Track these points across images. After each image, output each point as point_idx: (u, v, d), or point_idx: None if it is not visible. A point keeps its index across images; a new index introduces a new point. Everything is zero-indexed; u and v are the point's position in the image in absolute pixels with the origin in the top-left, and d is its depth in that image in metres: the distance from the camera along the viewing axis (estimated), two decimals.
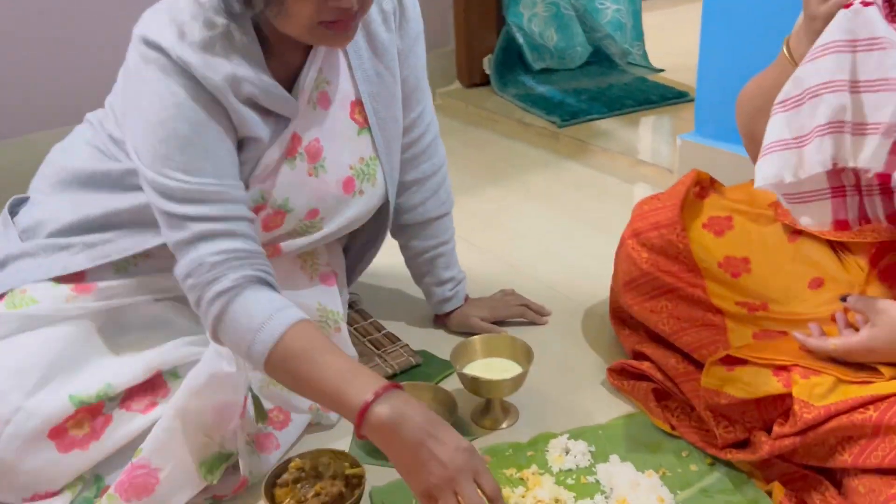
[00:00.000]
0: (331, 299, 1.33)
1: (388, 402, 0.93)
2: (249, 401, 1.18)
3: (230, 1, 1.04)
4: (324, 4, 0.99)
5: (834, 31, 0.87)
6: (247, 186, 1.13)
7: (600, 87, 2.69)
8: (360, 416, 0.94)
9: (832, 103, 0.86)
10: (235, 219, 1.06)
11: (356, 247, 1.46)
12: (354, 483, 1.10)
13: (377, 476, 1.15)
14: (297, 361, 1.00)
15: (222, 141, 1.07)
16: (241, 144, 1.13)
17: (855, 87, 0.85)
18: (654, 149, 2.33)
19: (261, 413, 1.20)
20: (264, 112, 1.12)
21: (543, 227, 1.98)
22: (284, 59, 1.13)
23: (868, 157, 0.84)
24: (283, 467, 1.11)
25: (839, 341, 0.99)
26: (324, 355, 0.99)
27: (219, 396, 1.14)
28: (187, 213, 1.04)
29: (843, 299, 1.02)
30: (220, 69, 1.05)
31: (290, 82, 1.15)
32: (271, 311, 1.01)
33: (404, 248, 1.48)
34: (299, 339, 1.00)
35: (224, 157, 1.08)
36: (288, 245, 1.24)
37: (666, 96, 2.57)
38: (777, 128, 0.91)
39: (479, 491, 0.90)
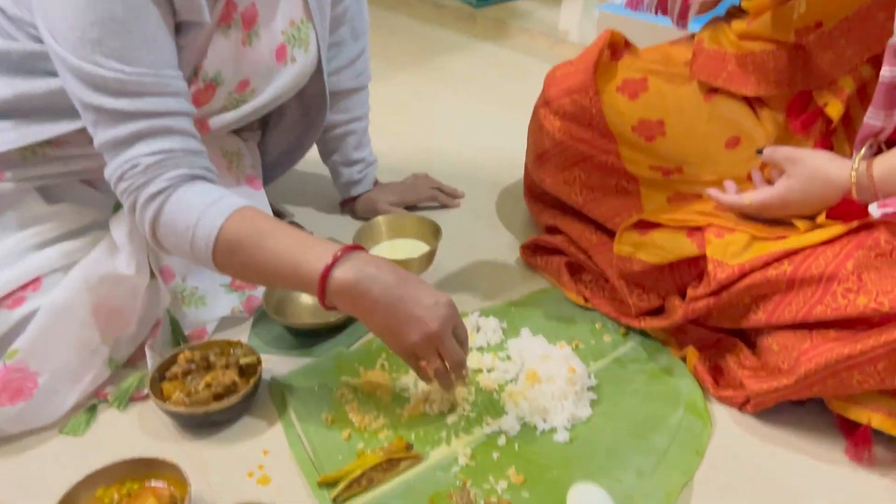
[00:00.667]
0: (259, 203, 1.24)
1: (350, 264, 0.87)
2: (164, 322, 1.10)
3: None
4: None
5: None
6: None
7: None
8: (322, 284, 0.87)
9: None
10: (174, 114, 0.94)
11: (283, 148, 1.36)
12: (249, 372, 1.02)
13: (277, 366, 1.08)
14: (244, 248, 0.91)
15: (160, 27, 0.94)
16: (179, 28, 0.99)
17: None
18: (575, 27, 2.23)
19: (179, 336, 1.12)
20: None
21: (460, 111, 1.88)
22: None
23: None
24: (171, 360, 1.03)
25: (754, 195, 0.95)
26: (272, 235, 0.91)
27: (111, 300, 1.05)
28: (123, 109, 0.91)
29: (759, 152, 0.97)
30: None
31: None
32: (207, 203, 0.92)
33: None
34: (242, 226, 0.91)
35: (163, 45, 0.94)
36: (216, 121, 1.13)
37: None
38: None
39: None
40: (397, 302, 0.87)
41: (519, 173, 1.42)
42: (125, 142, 0.92)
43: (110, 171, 0.94)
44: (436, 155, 1.68)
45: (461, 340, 0.90)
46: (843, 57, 0.89)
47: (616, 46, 1.23)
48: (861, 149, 0.90)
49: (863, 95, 0.89)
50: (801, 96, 0.95)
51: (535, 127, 1.25)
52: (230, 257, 0.92)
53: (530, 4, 2.33)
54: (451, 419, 0.97)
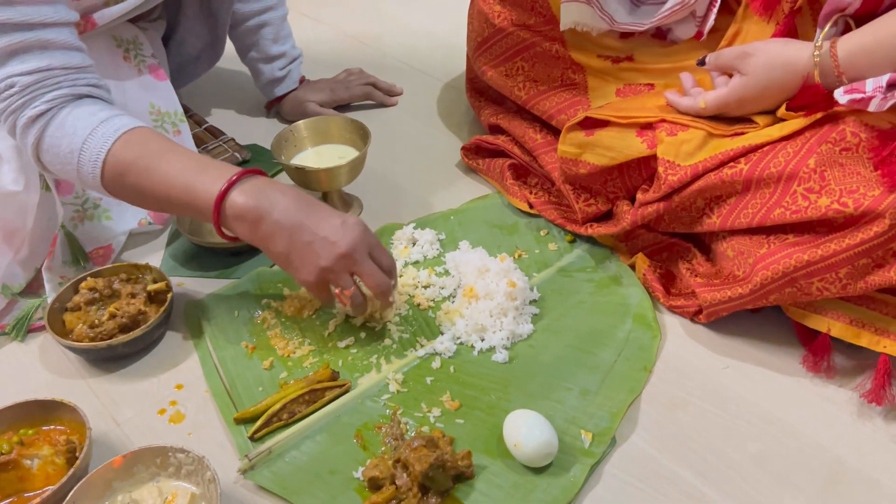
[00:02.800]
0: (165, 97, 1.12)
1: (247, 186, 0.80)
2: (61, 239, 0.98)
3: None
4: None
5: None
6: None
7: None
8: (216, 210, 0.79)
9: None
10: (51, 25, 0.83)
11: (196, 44, 1.24)
12: (160, 300, 0.93)
13: (194, 289, 0.98)
14: (134, 172, 0.83)
15: None
16: None
17: None
18: None
19: (79, 254, 1.01)
20: None
21: None
22: None
23: None
24: (73, 289, 0.93)
25: (709, 96, 0.85)
26: (163, 157, 0.83)
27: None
28: (33, 15, 0.80)
29: (701, 62, 0.87)
30: None
31: None
32: (93, 125, 0.83)
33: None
34: (132, 147, 0.83)
35: None
36: (101, 16, 0.99)
37: None
38: None
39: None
40: (300, 224, 0.78)
41: (462, 65, 1.30)
42: (20, 50, 0.81)
43: None
44: (372, 45, 1.54)
45: (385, 267, 0.82)
46: None
47: None
48: (825, 26, 0.80)
49: None
50: None
51: (475, 12, 1.12)
52: (120, 181, 0.84)
53: None
54: (384, 342, 0.89)
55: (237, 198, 0.79)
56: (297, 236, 0.78)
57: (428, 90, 1.38)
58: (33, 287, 0.99)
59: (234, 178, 0.79)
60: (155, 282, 0.94)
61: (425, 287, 0.95)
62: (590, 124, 0.93)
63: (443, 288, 0.95)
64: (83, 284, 0.93)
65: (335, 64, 1.40)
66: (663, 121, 0.88)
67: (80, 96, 0.85)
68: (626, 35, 1.00)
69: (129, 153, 0.83)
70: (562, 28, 0.99)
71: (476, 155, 1.16)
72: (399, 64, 1.46)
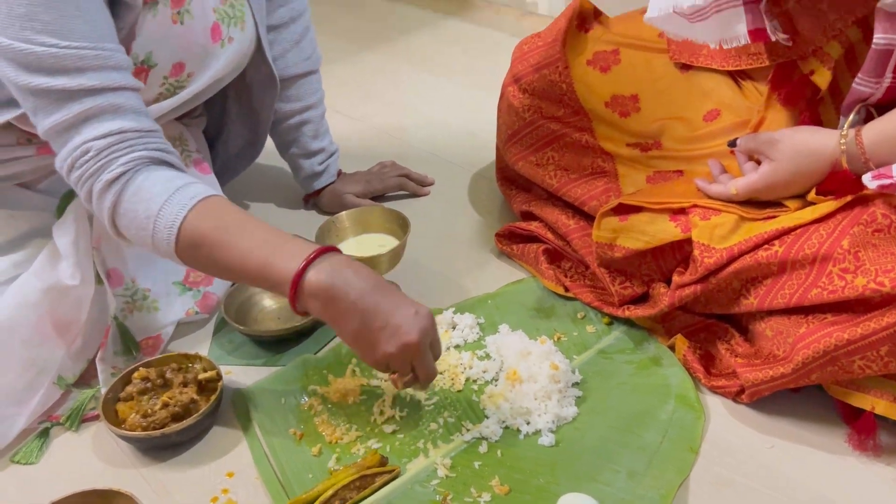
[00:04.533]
0: (211, 188, 1.16)
1: (324, 266, 0.81)
2: (113, 331, 1.02)
3: None
4: None
5: None
6: None
7: None
8: (294, 287, 0.80)
9: None
10: (121, 89, 0.86)
11: (240, 141, 1.29)
12: (210, 388, 0.95)
13: (241, 377, 1.01)
14: (209, 243, 0.84)
15: None
16: (110, 7, 0.91)
17: None
18: None
19: (131, 344, 1.04)
20: None
21: (425, 91, 1.80)
22: None
23: None
24: (125, 379, 0.96)
25: (740, 183, 0.88)
26: (240, 230, 0.84)
27: (56, 314, 0.98)
28: (64, 87, 0.83)
29: (732, 144, 0.91)
30: None
31: None
32: (170, 192, 0.85)
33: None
34: (208, 217, 0.84)
35: (99, 16, 0.86)
36: (153, 110, 1.04)
37: None
38: None
39: None
40: (374, 308, 0.80)
41: (491, 155, 1.35)
42: (72, 125, 0.84)
43: (60, 161, 0.86)
44: (402, 138, 1.60)
45: (435, 355, 0.84)
46: (826, 22, 0.83)
47: (585, 16, 1.15)
48: (849, 115, 0.84)
49: (850, 59, 0.83)
50: (786, 65, 0.88)
51: (504, 105, 1.18)
52: (194, 252, 0.85)
53: None
54: (430, 427, 0.90)
55: (314, 276, 0.80)
56: (369, 319, 0.80)
57: (458, 179, 1.43)
58: (86, 378, 1.02)
59: (312, 256, 0.81)
60: (205, 370, 0.96)
61: (468, 370, 0.97)
62: (623, 210, 0.96)
63: (485, 371, 0.97)
64: (135, 374, 0.96)
65: (369, 157, 1.45)
66: (695, 206, 0.91)
67: (155, 160, 0.87)
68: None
69: (206, 223, 0.84)
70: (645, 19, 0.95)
71: (509, 241, 1.20)
72: (428, 155, 1.52)
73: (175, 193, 0.84)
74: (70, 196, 1.08)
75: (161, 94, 1.04)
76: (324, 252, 0.82)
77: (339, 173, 1.36)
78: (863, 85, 0.80)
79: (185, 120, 1.22)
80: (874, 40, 0.76)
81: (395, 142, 1.60)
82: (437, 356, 0.84)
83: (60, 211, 1.05)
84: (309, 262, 0.80)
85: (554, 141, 1.12)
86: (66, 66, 0.83)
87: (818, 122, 0.89)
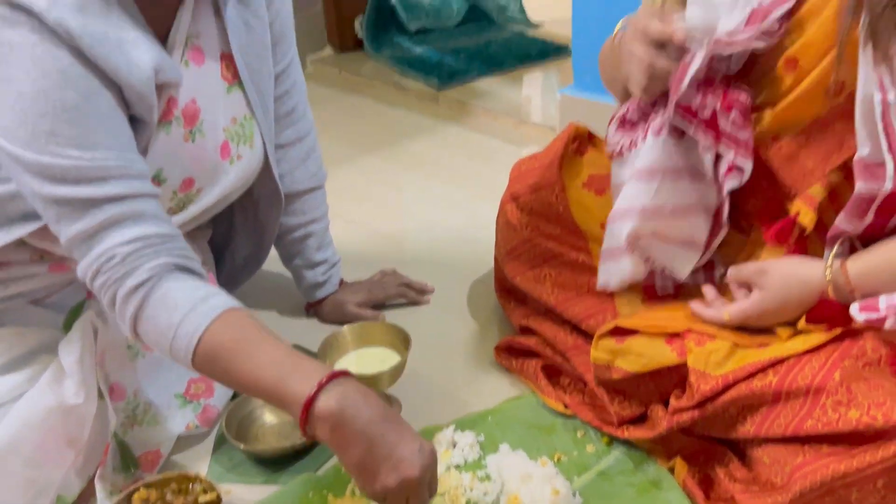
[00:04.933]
0: (232, 300, 1.19)
1: (335, 392, 0.82)
2: (112, 447, 1.02)
3: None
4: None
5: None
6: None
7: (479, 45, 2.56)
8: (304, 412, 0.81)
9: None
10: (142, 196, 0.89)
11: (246, 252, 1.32)
12: None
13: (242, 496, 1.00)
14: (227, 356, 0.86)
15: (115, 109, 0.90)
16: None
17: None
18: (537, 107, 2.23)
19: (129, 460, 1.05)
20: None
21: (425, 196, 1.85)
22: (155, 11, 0.96)
23: None
24: (125, 500, 0.95)
25: (732, 309, 0.91)
26: (257, 347, 0.86)
27: (59, 433, 0.99)
28: (88, 196, 0.86)
29: (723, 275, 0.95)
30: (107, 36, 0.87)
31: (161, 39, 0.98)
32: (194, 302, 0.87)
33: None
34: (228, 330, 0.86)
35: (121, 126, 0.90)
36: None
37: (546, 51, 2.47)
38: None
39: None
40: (381, 438, 0.81)
41: (490, 262, 1.38)
42: (96, 233, 0.87)
43: (84, 268, 0.88)
44: (403, 243, 1.64)
45: (431, 493, 0.84)
46: (805, 169, 0.88)
47: (580, 140, 1.21)
48: (833, 246, 0.87)
49: (833, 198, 0.87)
50: (774, 203, 0.93)
51: (503, 222, 1.22)
52: (211, 365, 0.87)
53: (492, 84, 2.33)
54: None
55: (324, 402, 0.81)
56: (374, 448, 0.80)
57: (457, 287, 1.46)
58: (85, 496, 1.02)
59: (324, 380, 0.82)
60: (205, 492, 0.96)
61: (469, 491, 0.97)
62: (620, 332, 0.99)
63: (486, 493, 0.97)
64: (136, 496, 0.96)
65: (370, 262, 1.49)
66: (690, 330, 0.94)
67: (178, 266, 0.89)
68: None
69: (224, 336, 0.86)
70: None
71: (508, 354, 1.22)
72: (428, 261, 1.55)
73: (198, 304, 0.86)
74: (77, 311, 1.10)
75: (171, 208, 1.07)
76: (336, 377, 0.83)
77: (341, 282, 1.39)
78: (844, 224, 0.84)
79: (193, 233, 1.25)
80: (856, 188, 0.81)
81: (396, 247, 1.63)
82: (432, 494, 0.84)
83: (67, 326, 1.07)
84: (321, 387, 0.82)
85: (551, 259, 1.15)
86: (90, 176, 0.86)
87: (804, 252, 0.92)
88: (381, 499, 0.82)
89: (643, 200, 0.96)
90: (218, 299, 0.88)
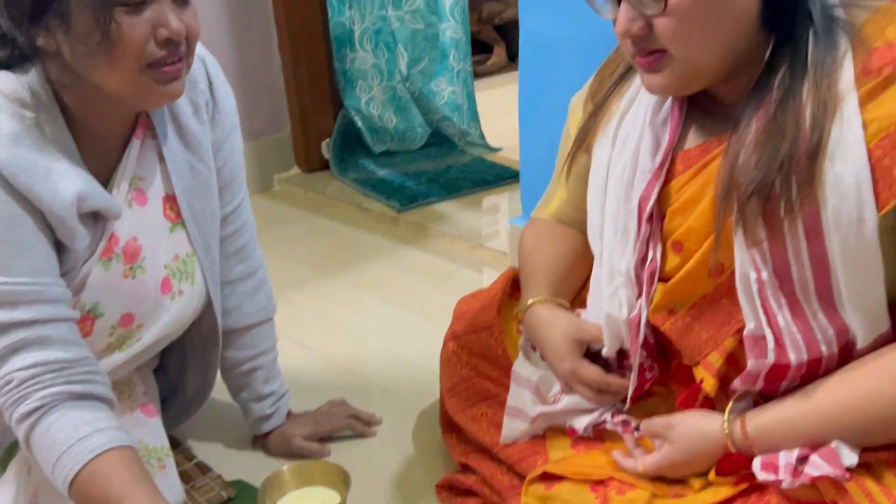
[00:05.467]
0: (153, 433, 1.22)
1: None
2: None
3: (39, 81, 0.95)
4: (155, 28, 0.92)
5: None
6: None
7: (439, 169, 2.68)
8: None
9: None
10: (51, 321, 0.93)
11: (188, 394, 1.36)
12: None
13: None
14: (96, 500, 0.89)
15: (37, 234, 0.95)
16: (58, 249, 1.00)
17: None
18: (492, 231, 2.32)
19: None
20: (83, 216, 1.01)
21: (379, 321, 1.90)
22: (98, 153, 1.04)
23: None
24: None
25: (647, 462, 0.96)
26: (124, 498, 0.89)
27: None
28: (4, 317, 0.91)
29: (636, 429, 1.00)
30: (36, 166, 0.93)
31: (104, 179, 1.05)
32: (72, 441, 0.90)
33: (220, 359, 1.36)
34: (95, 480, 0.89)
35: (40, 252, 0.95)
36: (105, 363, 1.11)
37: (502, 176, 2.59)
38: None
39: None
40: None
41: (437, 392, 1.42)
42: (1, 357, 0.91)
43: None
44: (354, 370, 1.67)
45: None
46: (701, 340, 0.95)
47: (517, 283, 1.27)
48: (735, 402, 0.92)
49: (732, 363, 0.94)
50: (683, 367, 0.99)
51: (445, 359, 1.27)
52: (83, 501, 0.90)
53: (451, 208, 2.43)
54: None
55: None
56: None
57: (405, 417, 1.49)
58: None
59: None
60: None
61: None
62: (548, 478, 1.02)
63: None
64: None
65: (320, 390, 1.52)
66: (612, 478, 0.98)
67: (73, 394, 0.93)
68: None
69: (94, 486, 0.89)
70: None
71: (450, 493, 1.24)
72: (378, 389, 1.59)
73: (76, 444, 0.91)
74: (12, 449, 1.12)
75: (111, 343, 1.10)
76: None
77: (289, 413, 1.41)
78: (741, 387, 0.91)
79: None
80: (748, 365, 0.87)
81: (347, 374, 1.66)
82: None
83: (3, 465, 1.08)
84: None
85: (488, 398, 1.20)
86: (2, 300, 0.91)
87: (713, 406, 0.97)
88: None
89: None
90: (97, 438, 0.92)
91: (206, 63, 1.15)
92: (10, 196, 0.92)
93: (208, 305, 1.23)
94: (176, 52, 0.95)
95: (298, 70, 2.67)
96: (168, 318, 1.15)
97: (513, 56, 4.06)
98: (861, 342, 0.85)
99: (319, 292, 2.03)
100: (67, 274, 1.01)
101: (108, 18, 0.89)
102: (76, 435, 0.91)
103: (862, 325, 0.84)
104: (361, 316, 1.93)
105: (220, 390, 1.41)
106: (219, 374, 1.37)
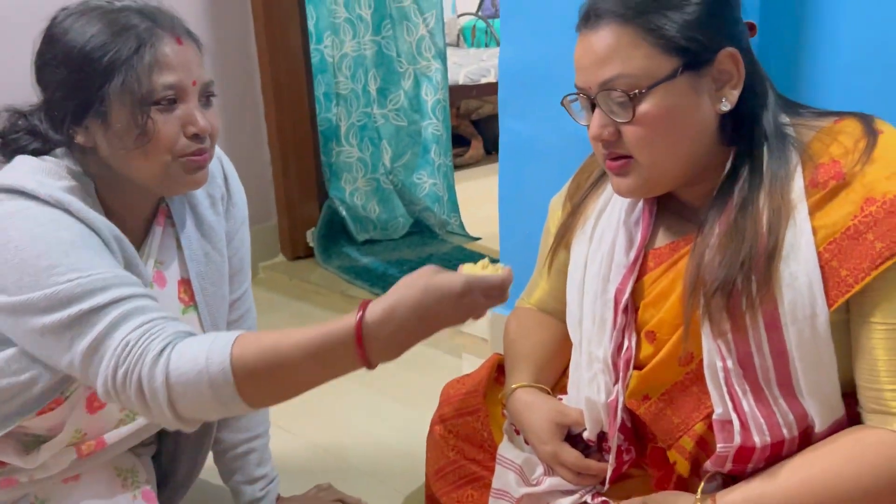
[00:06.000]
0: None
1: (371, 307, 0.87)
2: None
3: (73, 167, 1.05)
4: (184, 125, 1.03)
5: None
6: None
7: (421, 258, 2.77)
8: (358, 334, 0.86)
9: None
10: (141, 296, 0.97)
11: (181, 476, 1.38)
12: None
13: None
14: (262, 359, 0.89)
15: (104, 248, 1.02)
16: None
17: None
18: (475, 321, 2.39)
19: None
20: None
21: (364, 407, 1.94)
22: (126, 238, 1.10)
23: None
24: None
25: None
26: (284, 333, 0.90)
27: None
28: (92, 306, 0.93)
29: None
30: (92, 212, 1.02)
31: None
32: (207, 344, 0.91)
33: (213, 442, 1.40)
34: (249, 344, 0.90)
35: (111, 260, 1.01)
36: (112, 436, 1.15)
37: None
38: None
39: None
40: (427, 307, 0.86)
41: (422, 476, 1.45)
42: (103, 338, 0.93)
43: (102, 374, 0.92)
44: (340, 456, 1.71)
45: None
46: (672, 424, 1.01)
47: (503, 368, 1.34)
48: (707, 482, 0.99)
49: (703, 446, 1.00)
50: (658, 450, 1.06)
51: (432, 442, 1.31)
52: (252, 376, 0.89)
53: None
54: None
55: (371, 316, 0.86)
56: (431, 318, 0.87)
57: (390, 502, 1.53)
58: None
59: (359, 309, 0.87)
60: None
61: None
62: None
63: None
64: None
65: (307, 476, 1.55)
66: None
67: (184, 332, 0.95)
68: None
69: (249, 348, 0.89)
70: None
71: None
72: (364, 475, 1.62)
73: (213, 342, 0.91)
74: None
75: (121, 420, 1.15)
76: (365, 304, 0.88)
77: (279, 498, 1.44)
78: (712, 468, 0.97)
79: (138, 449, 1.32)
80: (717, 447, 0.94)
81: (332, 459, 1.70)
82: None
83: None
84: (362, 309, 0.87)
85: (475, 481, 1.24)
86: (92, 289, 0.94)
87: (685, 487, 1.03)
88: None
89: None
90: (225, 334, 0.94)
91: (223, 161, 1.26)
92: (75, 220, 1.00)
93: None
94: (202, 145, 1.06)
95: (286, 162, 2.79)
96: None
97: (489, 149, 4.24)
98: (819, 427, 0.93)
99: None
100: None
101: (145, 117, 1.01)
102: (208, 339, 0.92)
103: (819, 412, 0.92)
104: (345, 402, 1.97)
105: (206, 473, 1.44)
106: (208, 458, 1.40)
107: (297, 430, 1.80)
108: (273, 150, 2.78)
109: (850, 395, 0.93)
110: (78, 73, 1.00)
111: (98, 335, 0.93)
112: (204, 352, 0.90)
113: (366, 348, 0.87)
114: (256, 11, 2.65)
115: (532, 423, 1.13)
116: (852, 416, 0.93)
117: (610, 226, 1.08)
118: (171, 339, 0.93)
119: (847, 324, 0.91)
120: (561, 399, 1.17)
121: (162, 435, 1.37)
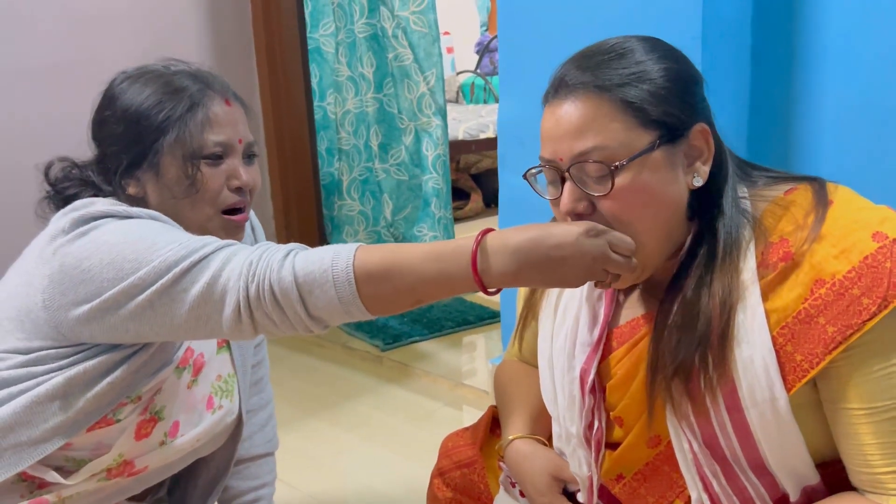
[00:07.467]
0: None
1: (494, 233, 0.88)
2: None
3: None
4: (229, 179, 1.11)
5: None
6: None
7: (422, 310, 2.79)
8: (477, 246, 0.87)
9: None
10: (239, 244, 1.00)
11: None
12: None
13: None
14: (383, 265, 0.90)
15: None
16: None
17: None
18: (472, 370, 2.41)
19: None
20: None
21: (364, 460, 1.94)
22: None
23: None
24: None
25: None
26: (405, 245, 0.92)
27: None
28: (202, 255, 0.95)
29: None
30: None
31: None
32: (332, 248, 0.93)
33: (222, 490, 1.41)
34: (372, 250, 0.92)
35: None
36: (142, 461, 1.16)
37: (482, 316, 2.70)
38: None
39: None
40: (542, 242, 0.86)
41: None
42: (221, 270, 0.93)
43: (231, 305, 0.92)
44: None
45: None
46: (648, 503, 1.01)
47: (498, 421, 1.35)
48: None
49: None
50: None
51: (431, 496, 1.32)
52: (373, 277, 0.90)
53: (432, 347, 2.52)
54: None
55: (491, 235, 0.87)
56: (552, 257, 0.86)
57: None
58: None
59: (479, 235, 0.88)
60: None
61: None
62: None
63: None
64: None
65: None
66: None
67: (303, 246, 0.96)
68: None
69: (372, 253, 0.91)
70: None
71: None
72: None
73: (338, 247, 0.93)
74: None
75: (156, 451, 1.16)
76: (485, 232, 0.89)
77: None
78: None
79: (149, 498, 1.32)
80: None
81: None
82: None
83: None
84: (484, 232, 0.88)
85: None
86: (196, 246, 0.96)
87: None
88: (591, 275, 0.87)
89: None
90: (347, 244, 0.95)
91: (251, 215, 1.31)
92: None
93: (237, 427, 1.30)
94: (244, 198, 1.13)
95: (289, 215, 2.83)
96: (198, 430, 1.20)
97: (489, 202, 4.29)
98: (793, 497, 0.91)
99: (305, 433, 2.08)
100: (152, 375, 1.09)
101: (195, 169, 1.08)
102: (331, 246, 0.93)
103: (790, 483, 0.90)
104: (346, 454, 1.97)
105: None
106: None
107: (297, 484, 1.80)
108: (276, 203, 2.83)
109: (825, 464, 0.92)
110: (135, 128, 1.08)
111: (213, 273, 0.94)
112: (330, 252, 0.92)
113: (482, 261, 0.87)
114: (262, 69, 2.73)
115: (529, 475, 1.14)
116: (828, 481, 0.92)
117: (573, 299, 1.07)
118: (291, 248, 0.95)
119: (816, 403, 0.88)
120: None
121: (172, 482, 1.38)
